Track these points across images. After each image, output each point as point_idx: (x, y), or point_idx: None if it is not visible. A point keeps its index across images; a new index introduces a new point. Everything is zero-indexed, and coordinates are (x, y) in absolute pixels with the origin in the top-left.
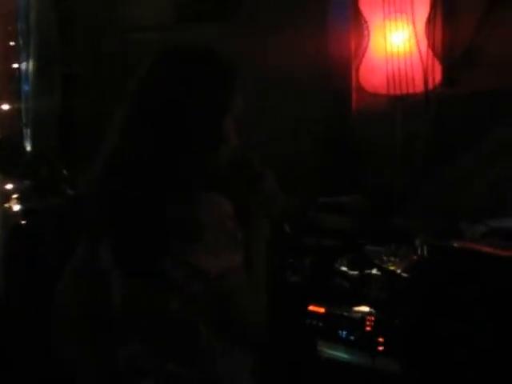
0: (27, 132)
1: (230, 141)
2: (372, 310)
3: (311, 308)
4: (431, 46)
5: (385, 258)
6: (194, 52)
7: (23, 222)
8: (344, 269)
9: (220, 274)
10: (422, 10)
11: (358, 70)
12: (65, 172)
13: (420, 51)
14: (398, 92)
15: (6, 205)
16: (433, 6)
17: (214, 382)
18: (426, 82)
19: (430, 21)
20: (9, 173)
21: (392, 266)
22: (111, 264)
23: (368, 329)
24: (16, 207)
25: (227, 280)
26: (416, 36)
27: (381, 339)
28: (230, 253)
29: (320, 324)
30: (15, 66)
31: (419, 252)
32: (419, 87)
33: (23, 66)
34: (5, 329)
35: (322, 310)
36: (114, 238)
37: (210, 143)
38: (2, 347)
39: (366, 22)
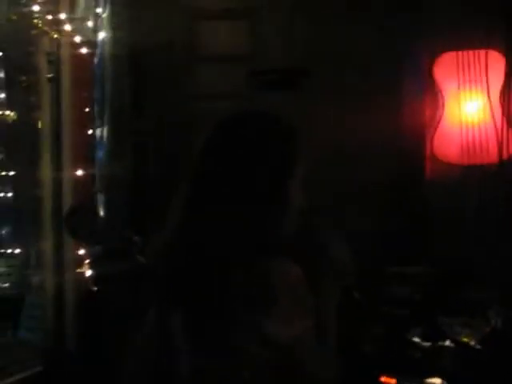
0: (100, 198)
1: (295, 206)
2: (444, 382)
3: (383, 379)
4: (506, 115)
5: (458, 329)
6: (257, 118)
7: (95, 289)
8: (417, 340)
9: (291, 342)
10: (497, 79)
11: (432, 139)
12: (136, 238)
13: (495, 121)
14: (472, 162)
15: (79, 270)
16: (507, 75)
17: None
18: (500, 152)
19: (505, 90)
20: (82, 238)
21: (465, 337)
22: (182, 335)
23: None
24: (88, 272)
25: (299, 348)
26: (491, 105)
27: None
28: (302, 320)
29: None
30: (90, 132)
31: (493, 323)
32: (493, 157)
33: (97, 132)
34: None
35: (393, 381)
36: (184, 309)
37: (275, 209)
38: None
39: (441, 91)
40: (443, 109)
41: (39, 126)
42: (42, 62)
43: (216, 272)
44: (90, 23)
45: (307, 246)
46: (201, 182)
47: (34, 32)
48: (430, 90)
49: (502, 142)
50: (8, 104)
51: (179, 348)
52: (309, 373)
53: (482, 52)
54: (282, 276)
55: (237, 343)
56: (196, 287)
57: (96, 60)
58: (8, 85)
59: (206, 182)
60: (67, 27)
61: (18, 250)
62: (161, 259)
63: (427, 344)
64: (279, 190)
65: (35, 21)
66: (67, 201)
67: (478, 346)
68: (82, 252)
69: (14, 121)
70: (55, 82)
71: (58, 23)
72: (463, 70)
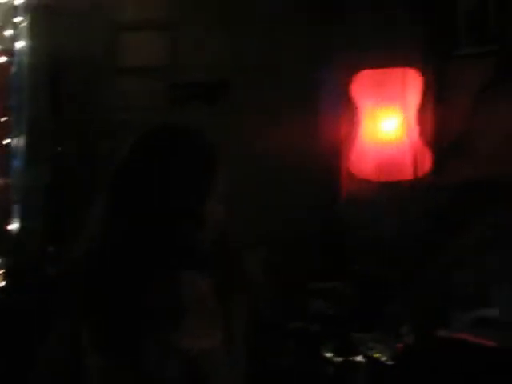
0: (16, 208)
1: (212, 221)
2: None
3: None
4: (422, 134)
5: (370, 345)
6: (174, 132)
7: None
8: (329, 355)
9: (199, 355)
10: (414, 99)
11: (348, 155)
12: (50, 249)
13: (411, 139)
14: (387, 179)
15: None
16: (424, 95)
17: None
18: (415, 170)
19: (422, 109)
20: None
21: (377, 353)
22: (90, 347)
23: None
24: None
25: (207, 361)
26: (407, 123)
27: None
28: (210, 333)
29: None
30: (6, 141)
31: (405, 340)
32: (409, 174)
33: (14, 141)
34: None
35: None
36: (92, 319)
37: (191, 225)
38: None
39: (357, 108)
40: (359, 126)
41: None
42: None
43: (128, 284)
44: (8, 32)
45: (222, 258)
46: (118, 195)
47: None
48: (346, 107)
49: (416, 160)
50: None
51: (88, 361)
52: None
53: (400, 70)
54: (190, 289)
55: (145, 355)
56: (108, 298)
57: (14, 69)
58: None
59: (123, 195)
60: None
61: None
62: (76, 268)
63: (339, 359)
64: (195, 205)
65: None
66: None
67: (390, 362)
68: None
69: None
70: None
71: None
72: (380, 88)
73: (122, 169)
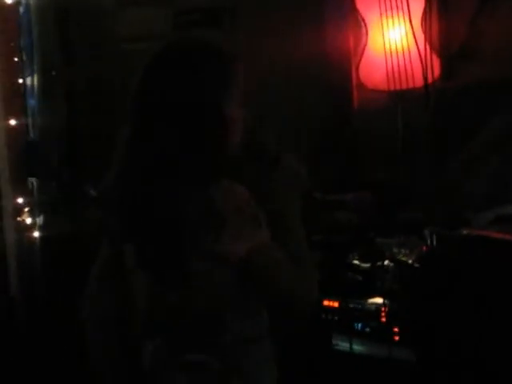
0: (34, 147)
1: (236, 126)
2: (386, 301)
3: (326, 303)
4: (428, 40)
5: (395, 249)
6: (188, 43)
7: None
8: (356, 262)
9: (246, 256)
10: (418, 6)
11: (357, 67)
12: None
13: (418, 46)
14: (398, 87)
15: (19, 218)
16: (427, 1)
17: (237, 371)
18: (425, 77)
19: (426, 16)
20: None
21: (403, 257)
22: (135, 265)
23: (383, 320)
24: (28, 220)
25: (259, 257)
26: (413, 32)
27: (396, 329)
28: (252, 233)
29: (335, 318)
30: (20, 81)
31: (429, 242)
32: (419, 82)
33: (28, 81)
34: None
35: (336, 304)
36: (136, 239)
37: (214, 130)
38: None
39: (364, 19)
40: (367, 37)
41: None
42: None
43: (163, 199)
44: None
45: (258, 163)
46: (142, 113)
47: None
48: (352, 19)
49: (425, 67)
50: None
51: (134, 279)
52: (275, 279)
53: None
54: (226, 197)
55: (191, 267)
56: (146, 216)
57: (22, 9)
58: None
59: (147, 111)
60: None
61: None
62: (109, 194)
63: (367, 265)
64: (217, 112)
65: None
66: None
67: (416, 264)
68: (20, 200)
69: None
70: None
71: None
72: None
73: (143, 84)
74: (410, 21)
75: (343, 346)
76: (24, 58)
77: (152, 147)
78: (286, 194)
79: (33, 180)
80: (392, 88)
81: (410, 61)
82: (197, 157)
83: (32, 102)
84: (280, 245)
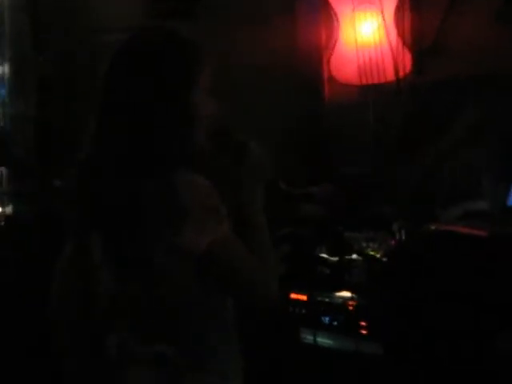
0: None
1: (202, 116)
2: (353, 294)
3: (293, 296)
4: (401, 35)
5: (364, 244)
6: (153, 32)
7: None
8: (324, 255)
9: (207, 249)
10: (390, 1)
11: (329, 61)
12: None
13: (390, 41)
14: (369, 81)
15: None
16: None
17: (200, 363)
18: (396, 71)
19: (399, 10)
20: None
21: (371, 251)
22: (99, 258)
23: (350, 313)
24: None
25: (218, 251)
26: (385, 26)
27: (363, 323)
28: (214, 227)
29: (303, 311)
30: None
31: (397, 237)
32: (390, 76)
33: None
34: None
35: (304, 297)
36: (98, 232)
37: (180, 119)
38: None
39: (336, 13)
40: (338, 31)
41: None
42: None
43: (126, 192)
44: None
45: (223, 152)
46: (104, 105)
47: None
48: (324, 13)
49: (397, 61)
50: None
51: (100, 273)
52: (238, 270)
53: None
54: (190, 191)
55: (154, 260)
56: (110, 209)
57: None
58: None
59: (109, 103)
60: None
61: None
62: (74, 185)
63: (335, 259)
64: (181, 100)
65: None
66: None
67: (384, 259)
68: None
69: None
70: None
71: None
72: None
73: (110, 73)
74: (383, 15)
75: (310, 339)
76: None
77: (114, 139)
78: (250, 183)
79: (2, 169)
80: (364, 82)
81: (382, 55)
82: (159, 149)
83: (2, 92)
84: (242, 237)
